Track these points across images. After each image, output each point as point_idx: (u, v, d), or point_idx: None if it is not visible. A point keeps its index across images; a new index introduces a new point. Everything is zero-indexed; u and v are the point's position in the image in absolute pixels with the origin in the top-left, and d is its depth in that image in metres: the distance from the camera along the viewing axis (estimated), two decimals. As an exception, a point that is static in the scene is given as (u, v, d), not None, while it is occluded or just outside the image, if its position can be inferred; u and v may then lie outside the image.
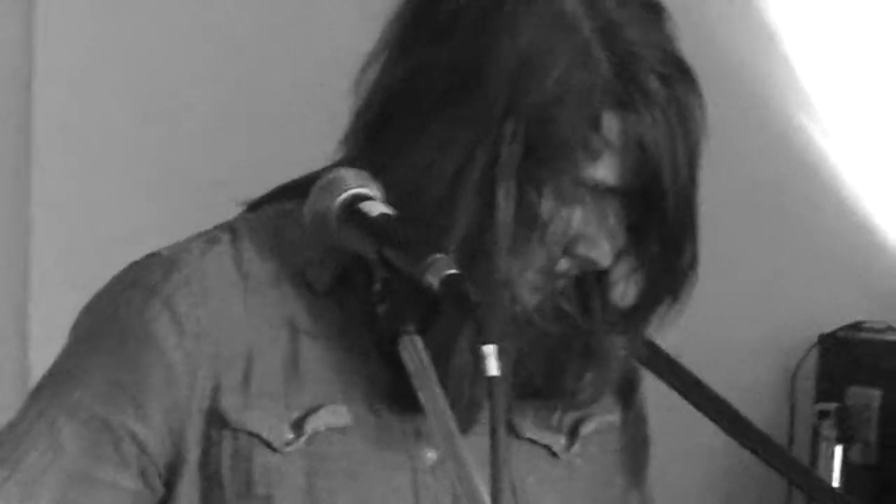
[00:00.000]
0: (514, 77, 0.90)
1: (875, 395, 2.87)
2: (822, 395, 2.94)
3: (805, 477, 1.99)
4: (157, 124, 2.86)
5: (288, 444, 0.94)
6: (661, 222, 0.94)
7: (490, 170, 0.90)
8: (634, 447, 1.09)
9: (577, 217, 0.93)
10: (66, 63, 3.15)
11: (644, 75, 0.92)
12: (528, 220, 0.91)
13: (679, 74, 0.94)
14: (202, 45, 3.06)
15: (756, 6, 3.11)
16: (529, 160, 0.90)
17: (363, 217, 0.88)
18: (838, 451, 2.83)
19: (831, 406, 2.85)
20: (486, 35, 0.92)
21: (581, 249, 0.94)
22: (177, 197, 2.84)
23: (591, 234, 0.94)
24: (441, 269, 0.82)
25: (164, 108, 3.02)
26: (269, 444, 0.94)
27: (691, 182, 0.94)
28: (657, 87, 0.92)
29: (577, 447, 1.04)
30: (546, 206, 0.92)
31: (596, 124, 0.91)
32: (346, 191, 0.89)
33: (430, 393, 0.83)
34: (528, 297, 0.95)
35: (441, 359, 0.87)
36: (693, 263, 0.97)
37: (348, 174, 0.90)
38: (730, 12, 3.09)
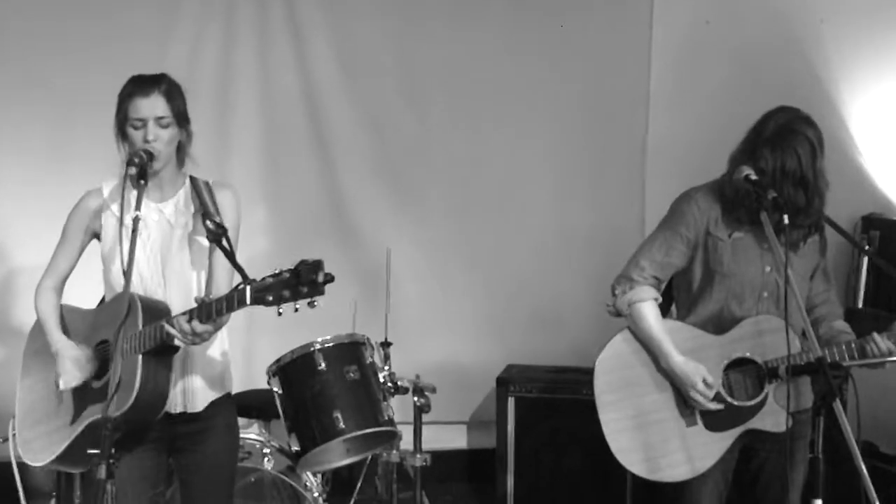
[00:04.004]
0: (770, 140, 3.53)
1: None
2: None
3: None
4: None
5: (725, 240, 3.63)
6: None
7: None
8: (822, 245, 3.73)
9: None
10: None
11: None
12: None
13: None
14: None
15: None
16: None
17: (748, 178, 3.52)
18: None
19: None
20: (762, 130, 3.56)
21: None
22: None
23: None
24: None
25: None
26: (721, 239, 3.62)
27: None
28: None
29: (802, 247, 3.66)
30: None
31: None
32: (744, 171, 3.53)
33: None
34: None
35: None
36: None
37: (744, 167, 3.54)
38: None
